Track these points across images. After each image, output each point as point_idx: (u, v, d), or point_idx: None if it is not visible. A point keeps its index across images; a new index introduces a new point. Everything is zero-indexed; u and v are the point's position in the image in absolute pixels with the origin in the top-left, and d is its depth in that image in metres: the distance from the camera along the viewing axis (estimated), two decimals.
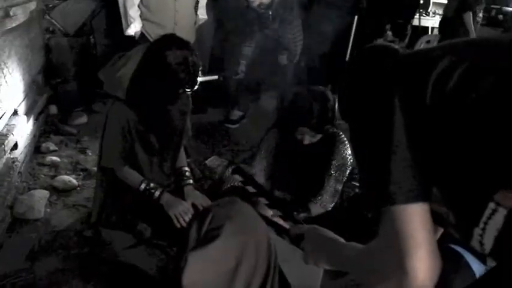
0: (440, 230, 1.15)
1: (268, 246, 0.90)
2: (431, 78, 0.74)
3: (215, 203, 0.97)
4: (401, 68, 0.84)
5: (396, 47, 0.97)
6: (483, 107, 0.69)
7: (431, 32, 5.74)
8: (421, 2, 6.10)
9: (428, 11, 6.55)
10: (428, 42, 4.90)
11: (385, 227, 0.77)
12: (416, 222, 0.74)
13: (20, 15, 2.19)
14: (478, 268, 1.83)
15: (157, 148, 1.85)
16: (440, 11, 6.14)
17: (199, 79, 1.73)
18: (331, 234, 1.11)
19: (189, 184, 1.90)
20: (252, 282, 0.84)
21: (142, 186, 1.73)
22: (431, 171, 0.76)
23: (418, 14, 5.76)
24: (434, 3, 6.61)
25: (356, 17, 3.44)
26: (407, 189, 0.75)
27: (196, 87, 1.71)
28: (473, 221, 0.72)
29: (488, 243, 0.72)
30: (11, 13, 2.04)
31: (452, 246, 1.84)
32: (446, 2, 5.16)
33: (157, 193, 1.73)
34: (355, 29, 3.48)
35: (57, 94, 3.40)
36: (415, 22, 5.71)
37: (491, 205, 0.68)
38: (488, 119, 0.69)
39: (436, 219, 0.83)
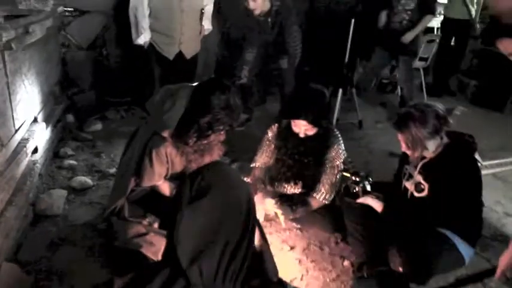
0: None
1: (247, 207, 1.04)
2: None
3: (204, 166, 1.13)
4: None
5: None
6: None
7: (437, 32, 5.79)
8: None
9: None
10: (431, 41, 4.96)
11: None
12: None
13: (37, 32, 2.41)
14: (464, 249, 1.96)
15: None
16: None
17: None
18: None
19: None
20: (232, 235, 0.99)
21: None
22: None
23: None
24: (438, 3, 6.66)
25: (353, 21, 3.57)
26: None
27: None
28: None
29: None
30: (30, 30, 2.27)
31: (441, 230, 1.98)
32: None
33: None
34: (353, 33, 3.61)
35: (74, 104, 3.65)
36: None
37: None
38: None
39: None
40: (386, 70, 5.44)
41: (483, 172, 3.23)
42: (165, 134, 1.88)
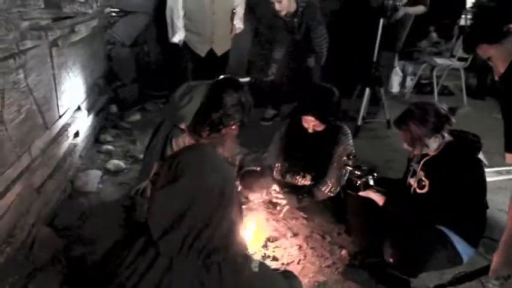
0: None
1: (221, 190, 1.14)
2: None
3: (186, 147, 1.22)
4: None
5: None
6: None
7: None
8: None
9: None
10: None
11: None
12: None
13: (83, 31, 2.74)
14: (462, 247, 1.99)
15: None
16: None
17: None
18: None
19: None
20: (201, 215, 1.10)
21: None
22: None
23: (465, 14, 5.64)
24: None
25: (381, 20, 3.59)
26: None
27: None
28: None
29: None
30: (76, 29, 2.60)
31: (441, 227, 2.02)
32: None
33: None
34: (382, 32, 3.63)
35: (117, 96, 4.02)
36: (462, 22, 5.61)
37: None
38: None
39: None
40: (426, 70, 5.34)
41: (508, 177, 3.16)
42: (183, 126, 2.09)
